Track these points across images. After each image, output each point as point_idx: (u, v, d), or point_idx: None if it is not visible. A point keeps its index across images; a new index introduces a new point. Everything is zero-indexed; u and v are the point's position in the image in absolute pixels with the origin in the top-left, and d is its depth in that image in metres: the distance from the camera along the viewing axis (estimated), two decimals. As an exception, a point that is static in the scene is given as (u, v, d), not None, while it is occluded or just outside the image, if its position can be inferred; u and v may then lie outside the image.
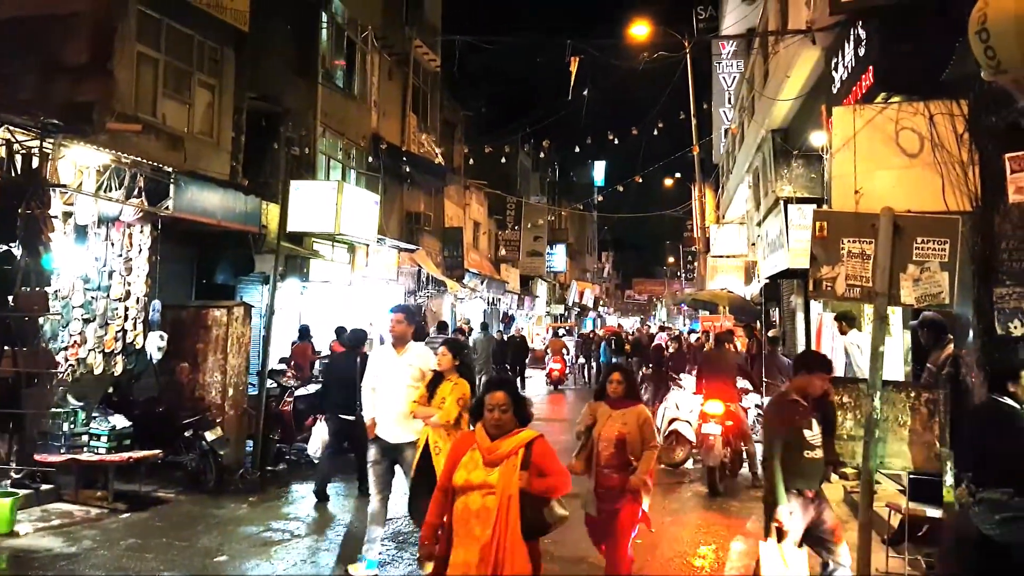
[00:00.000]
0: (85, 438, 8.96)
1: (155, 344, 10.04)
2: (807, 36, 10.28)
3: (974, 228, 6.44)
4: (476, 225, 31.86)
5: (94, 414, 9.16)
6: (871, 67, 7.68)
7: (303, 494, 9.63)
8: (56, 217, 9.17)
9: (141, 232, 10.40)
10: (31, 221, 8.65)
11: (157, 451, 9.33)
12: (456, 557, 4.03)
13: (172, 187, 10.90)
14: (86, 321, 9.86)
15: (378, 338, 16.55)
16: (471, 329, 20.07)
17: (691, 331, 30.20)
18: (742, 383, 11.23)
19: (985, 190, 6.44)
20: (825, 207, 8.52)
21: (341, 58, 18.83)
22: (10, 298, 8.58)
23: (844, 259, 5.79)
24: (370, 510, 6.80)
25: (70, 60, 10.01)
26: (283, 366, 12.54)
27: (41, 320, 8.98)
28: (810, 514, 5.37)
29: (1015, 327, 6.20)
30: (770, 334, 14.68)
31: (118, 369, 10.07)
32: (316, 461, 9.85)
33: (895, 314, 8.75)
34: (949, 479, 5.42)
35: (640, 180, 27.51)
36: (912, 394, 6.09)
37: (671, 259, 63.79)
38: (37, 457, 8.61)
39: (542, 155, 36.70)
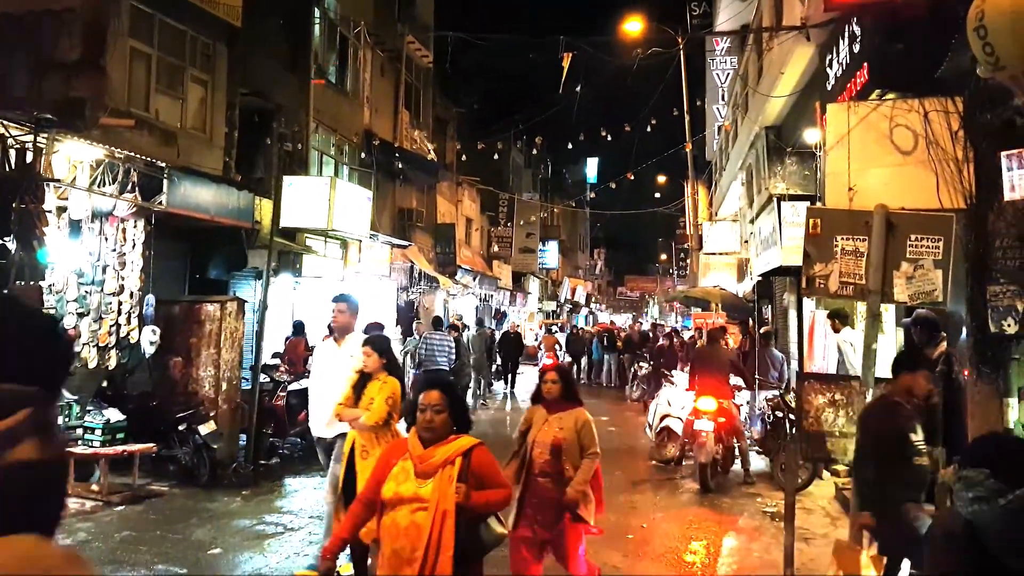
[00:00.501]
0: (79, 431, 9.02)
1: (148, 339, 10.06)
2: (801, 33, 10.27)
3: (968, 226, 6.44)
4: (468, 221, 31.79)
5: (88, 408, 9.18)
6: (866, 64, 7.64)
7: (296, 488, 9.66)
8: (50, 212, 9.15)
9: (135, 227, 10.38)
10: (25, 216, 8.62)
11: (151, 445, 9.34)
12: None
13: (165, 182, 10.87)
14: (80, 315, 9.84)
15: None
16: (464, 326, 20.07)
17: (684, 327, 29.92)
18: (735, 380, 11.27)
19: (979, 187, 6.42)
20: (818, 204, 8.52)
21: (334, 54, 18.79)
22: (4, 292, 8.54)
23: (837, 256, 5.81)
24: (326, 512, 6.51)
25: (63, 55, 9.97)
26: (276, 361, 12.54)
27: (35, 315, 8.93)
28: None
29: (1008, 325, 6.21)
30: (762, 331, 14.72)
31: (112, 363, 10.07)
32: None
33: (888, 312, 8.76)
34: (940, 478, 5.38)
35: (632, 177, 27.43)
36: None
37: (663, 256, 63.66)
38: (31, 451, 8.56)
39: (535, 152, 36.58)
